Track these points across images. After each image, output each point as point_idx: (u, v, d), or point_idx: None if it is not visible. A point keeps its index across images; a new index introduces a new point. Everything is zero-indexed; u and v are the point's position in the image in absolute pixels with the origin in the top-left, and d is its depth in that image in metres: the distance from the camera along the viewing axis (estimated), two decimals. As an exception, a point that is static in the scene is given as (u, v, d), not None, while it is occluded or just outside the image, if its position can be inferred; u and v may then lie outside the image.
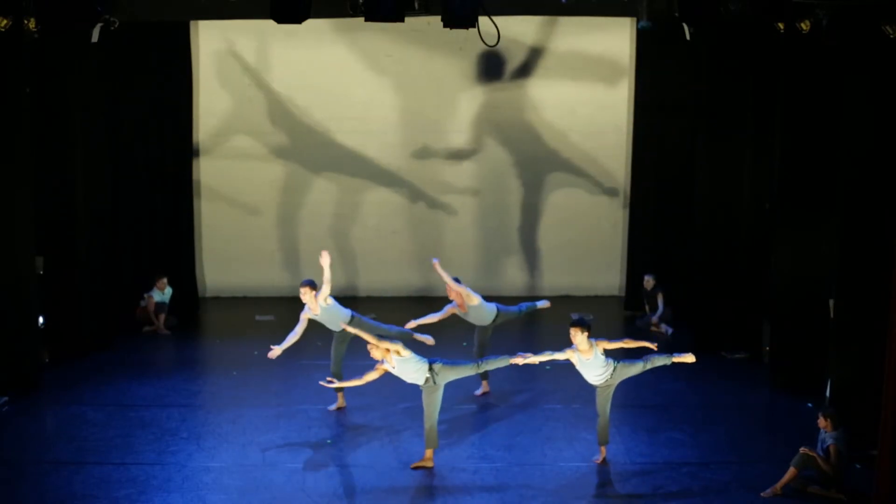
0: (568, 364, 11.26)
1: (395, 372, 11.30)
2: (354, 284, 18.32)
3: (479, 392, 13.54)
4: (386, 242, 18.31)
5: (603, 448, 11.61)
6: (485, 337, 13.56)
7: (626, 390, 11.72)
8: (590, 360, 11.13)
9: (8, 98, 13.10)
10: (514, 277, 18.38)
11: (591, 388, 11.49)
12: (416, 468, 11.45)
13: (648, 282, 16.81)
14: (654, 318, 16.56)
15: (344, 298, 18.15)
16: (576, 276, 18.44)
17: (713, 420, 12.87)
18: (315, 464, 11.58)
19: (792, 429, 12.35)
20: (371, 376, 11.38)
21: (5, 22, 12.63)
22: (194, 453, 11.84)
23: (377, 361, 11.33)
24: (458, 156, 18.07)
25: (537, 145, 17.98)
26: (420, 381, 11.35)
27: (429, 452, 11.51)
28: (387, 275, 18.31)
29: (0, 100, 13.05)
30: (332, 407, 13.12)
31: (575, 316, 11.68)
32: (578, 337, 11.03)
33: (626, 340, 11.34)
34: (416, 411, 11.83)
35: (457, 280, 13.36)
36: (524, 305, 13.81)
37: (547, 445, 12.17)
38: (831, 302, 12.62)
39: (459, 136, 17.98)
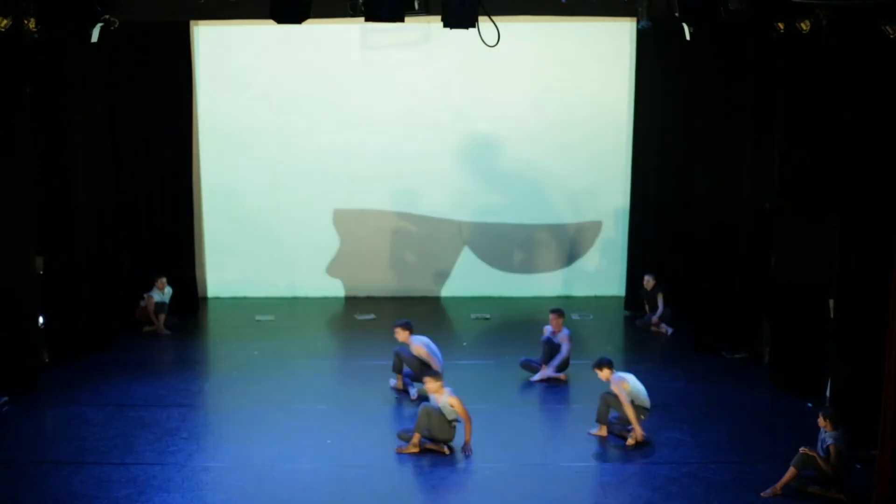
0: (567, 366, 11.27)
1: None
2: (354, 285, 18.30)
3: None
4: (386, 243, 18.29)
5: (603, 427, 12.06)
6: None
7: (626, 390, 11.74)
8: None
9: (8, 98, 13.09)
10: (514, 277, 18.35)
11: (592, 390, 11.54)
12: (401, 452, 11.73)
13: (648, 282, 16.78)
14: (654, 318, 16.54)
15: (345, 299, 18.26)
16: (576, 276, 18.44)
17: (713, 420, 12.85)
18: (315, 464, 11.57)
19: (792, 429, 12.33)
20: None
21: (5, 22, 12.62)
22: (194, 453, 11.83)
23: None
24: (457, 155, 18.05)
25: (538, 145, 17.95)
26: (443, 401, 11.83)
27: (416, 437, 11.73)
28: (388, 275, 18.29)
29: (0, 100, 13.05)
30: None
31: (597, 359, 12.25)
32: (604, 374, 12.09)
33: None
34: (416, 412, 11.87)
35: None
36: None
37: (547, 445, 12.17)
38: (831, 302, 12.61)
39: (458, 135, 17.95)
